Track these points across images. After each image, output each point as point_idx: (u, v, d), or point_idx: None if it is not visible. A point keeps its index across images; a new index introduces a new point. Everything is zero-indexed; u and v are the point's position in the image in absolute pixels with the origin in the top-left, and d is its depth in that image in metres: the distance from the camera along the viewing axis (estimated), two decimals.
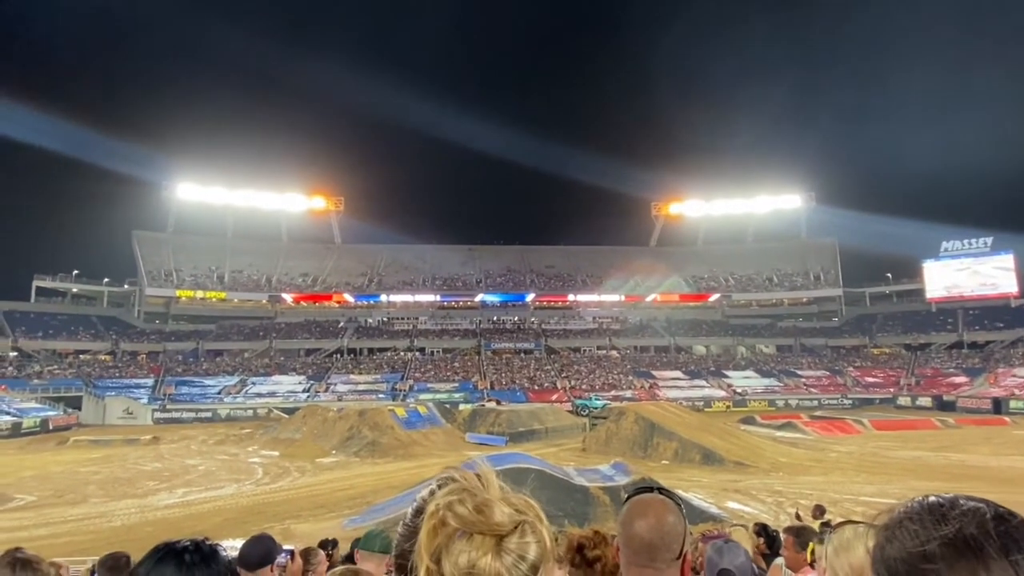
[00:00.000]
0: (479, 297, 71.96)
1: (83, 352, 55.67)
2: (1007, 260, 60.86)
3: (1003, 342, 56.54)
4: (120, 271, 66.38)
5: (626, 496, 1.50)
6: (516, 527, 0.76)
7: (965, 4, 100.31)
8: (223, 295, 67.11)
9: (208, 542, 1.35)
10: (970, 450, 27.07)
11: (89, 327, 59.16)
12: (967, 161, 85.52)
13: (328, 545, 6.50)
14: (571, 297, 72.75)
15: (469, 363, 60.03)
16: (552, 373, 57.48)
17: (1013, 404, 44.14)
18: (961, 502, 0.67)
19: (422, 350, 63.30)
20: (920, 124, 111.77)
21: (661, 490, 1.48)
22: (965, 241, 63.35)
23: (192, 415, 45.76)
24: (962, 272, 62.61)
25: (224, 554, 1.31)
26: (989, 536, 0.61)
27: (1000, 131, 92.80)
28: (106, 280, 64.99)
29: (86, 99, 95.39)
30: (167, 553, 1.31)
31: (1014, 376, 49.16)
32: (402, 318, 69.14)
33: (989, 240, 62.19)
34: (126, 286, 65.52)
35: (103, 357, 55.91)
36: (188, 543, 1.33)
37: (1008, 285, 60.43)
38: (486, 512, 0.76)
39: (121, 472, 23.74)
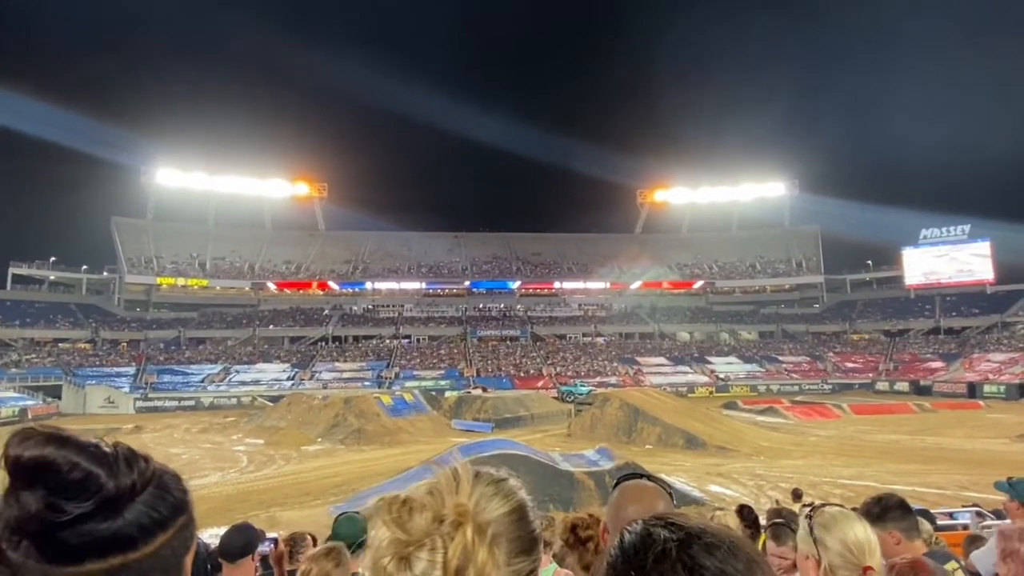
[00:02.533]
0: (465, 284, 71.86)
1: (62, 340, 54.76)
2: (984, 247, 61.96)
3: (978, 328, 57.76)
4: (99, 258, 65.20)
5: (616, 481, 1.52)
6: (426, 541, 0.70)
7: None
8: (205, 282, 66.28)
9: None
10: (945, 433, 27.74)
11: (68, 315, 58.16)
12: (946, 150, 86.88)
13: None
14: (557, 284, 72.94)
15: (455, 350, 60.06)
16: (538, 360, 57.72)
17: (987, 388, 45.27)
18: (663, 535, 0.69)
19: (408, 337, 63.19)
20: (902, 114, 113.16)
21: (650, 478, 1.50)
22: (944, 228, 64.31)
23: (175, 404, 45.30)
24: (940, 259, 63.67)
25: (202, 547, 1.28)
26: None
27: (979, 121, 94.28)
28: (85, 267, 63.79)
29: (62, 81, 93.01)
30: None
31: (988, 361, 50.34)
32: (387, 305, 68.87)
33: (967, 227, 63.20)
34: (105, 273, 64.31)
35: (83, 345, 55.05)
36: None
37: (984, 272, 61.59)
38: (402, 519, 0.71)
39: None
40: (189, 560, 0.64)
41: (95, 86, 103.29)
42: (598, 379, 50.88)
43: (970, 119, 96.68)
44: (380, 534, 0.72)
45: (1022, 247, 58.83)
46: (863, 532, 1.63)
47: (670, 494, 1.46)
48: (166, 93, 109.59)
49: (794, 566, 1.78)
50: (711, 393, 50.01)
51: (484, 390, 40.83)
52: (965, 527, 6.73)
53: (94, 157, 70.82)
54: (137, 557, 0.55)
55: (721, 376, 54.51)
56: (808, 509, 1.76)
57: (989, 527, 5.45)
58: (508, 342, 62.44)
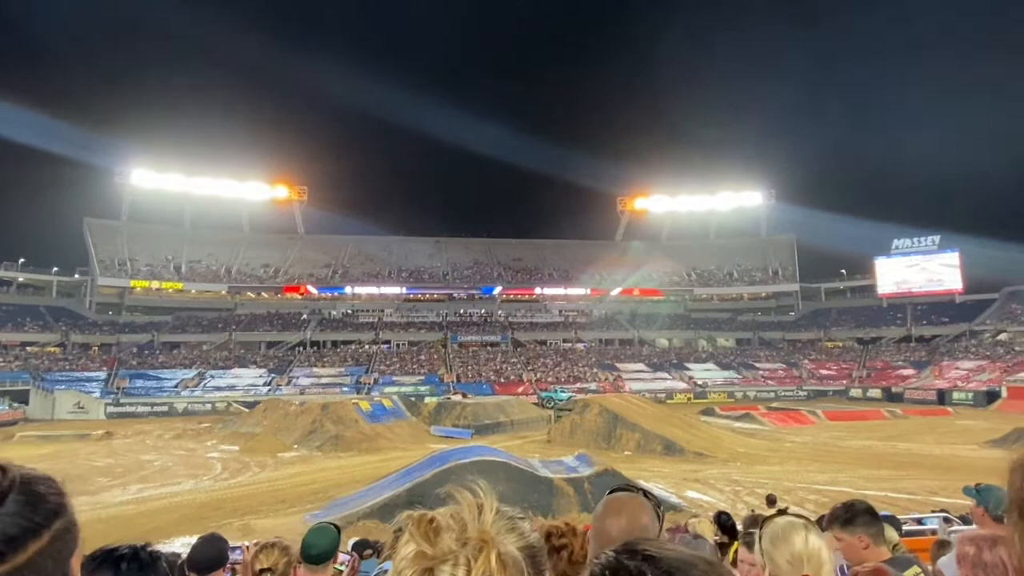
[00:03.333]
0: (446, 290, 71.62)
1: (30, 344, 53.28)
2: (953, 258, 63.58)
3: (947, 336, 59.18)
4: (70, 260, 63.52)
5: (608, 492, 1.52)
6: (449, 557, 0.74)
7: (921, 8, 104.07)
8: (180, 286, 65.10)
9: (149, 548, 1.27)
10: (916, 439, 28.36)
11: (37, 318, 56.64)
12: (919, 163, 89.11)
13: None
14: (538, 290, 73.05)
15: (435, 356, 59.76)
16: (518, 366, 57.69)
17: (956, 395, 46.35)
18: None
19: (387, 343, 62.72)
20: (877, 128, 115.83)
21: (646, 493, 1.50)
22: (915, 239, 65.87)
23: (147, 409, 44.37)
24: (911, 269, 65.18)
25: (164, 562, 1.25)
26: None
27: (950, 136, 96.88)
28: (55, 269, 62.15)
29: (33, 79, 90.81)
30: (104, 560, 1.26)
31: (957, 369, 51.57)
32: (367, 310, 68.31)
33: (937, 238, 64.80)
34: (77, 276, 62.79)
35: (52, 349, 53.61)
36: (127, 550, 1.26)
37: (953, 281, 63.19)
38: (429, 535, 0.76)
39: (71, 468, 22.82)
40: (75, 563, 0.63)
41: (69, 85, 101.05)
42: (578, 385, 51.01)
43: (942, 135, 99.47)
44: (406, 548, 0.76)
45: (990, 258, 60.73)
46: (809, 544, 1.63)
47: (657, 511, 1.44)
48: (142, 93, 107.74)
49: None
50: (689, 399, 50.45)
51: (464, 396, 40.67)
52: (934, 532, 6.88)
53: (66, 157, 68.82)
54: (7, 569, 0.55)
55: (699, 382, 55.02)
56: (763, 518, 1.78)
57: (956, 532, 5.58)
58: (488, 348, 62.34)
